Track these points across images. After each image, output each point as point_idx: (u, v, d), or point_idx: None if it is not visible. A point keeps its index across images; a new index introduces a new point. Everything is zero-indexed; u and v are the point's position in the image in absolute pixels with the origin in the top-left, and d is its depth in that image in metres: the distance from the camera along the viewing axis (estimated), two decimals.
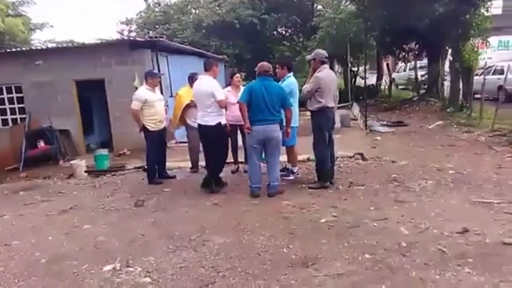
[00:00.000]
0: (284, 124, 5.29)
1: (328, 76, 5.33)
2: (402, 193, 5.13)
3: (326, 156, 5.44)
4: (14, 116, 11.04)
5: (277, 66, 5.93)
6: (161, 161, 6.58)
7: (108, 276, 3.40)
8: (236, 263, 3.47)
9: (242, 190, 5.56)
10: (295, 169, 6.22)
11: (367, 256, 3.47)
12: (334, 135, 10.14)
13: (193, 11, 22.02)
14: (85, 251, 3.95)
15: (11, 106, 10.97)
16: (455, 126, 10.03)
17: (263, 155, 5.44)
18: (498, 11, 26.18)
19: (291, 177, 6.14)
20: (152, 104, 6.18)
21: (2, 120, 11.08)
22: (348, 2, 14.52)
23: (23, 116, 10.87)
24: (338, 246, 3.69)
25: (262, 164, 5.50)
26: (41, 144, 10.66)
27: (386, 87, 19.12)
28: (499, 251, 3.43)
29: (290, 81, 5.83)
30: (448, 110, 11.94)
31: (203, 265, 3.47)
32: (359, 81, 23.02)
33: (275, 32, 22.53)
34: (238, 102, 5.19)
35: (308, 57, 5.52)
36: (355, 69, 20.87)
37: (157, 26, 20.89)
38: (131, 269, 3.49)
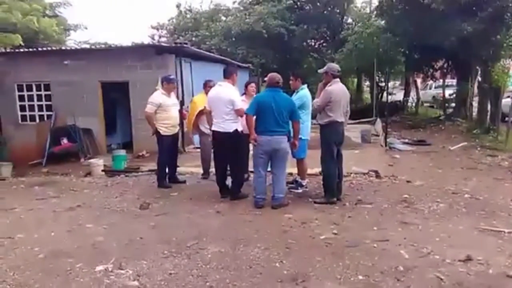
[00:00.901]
0: (292, 135, 5.24)
1: (339, 91, 5.26)
2: (409, 214, 4.97)
3: (333, 172, 5.34)
4: (41, 113, 11.42)
5: (291, 78, 5.92)
6: (172, 165, 6.65)
7: (98, 276, 3.44)
8: (226, 274, 3.44)
9: (247, 200, 5.53)
10: (304, 182, 6.15)
11: (360, 277, 3.37)
12: (352, 150, 10.32)
13: (223, 18, 22.29)
14: (83, 250, 4.02)
15: (39, 103, 11.37)
16: (479, 148, 9.69)
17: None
18: None
19: (299, 190, 6.07)
20: (166, 109, 6.27)
21: (30, 116, 11.47)
22: (377, 17, 14.31)
23: (50, 113, 11.25)
24: (332, 264, 3.60)
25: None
26: (65, 141, 11.00)
27: (413, 104, 18.69)
28: (501, 283, 3.27)
29: (303, 93, 5.79)
30: (474, 131, 11.56)
31: (192, 273, 3.46)
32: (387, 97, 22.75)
33: (304, 43, 22.52)
34: (245, 114, 5.18)
35: (320, 70, 5.47)
36: (382, 84, 20.58)
37: (186, 32, 21.28)
38: (122, 271, 3.51)
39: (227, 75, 5.68)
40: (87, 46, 17.25)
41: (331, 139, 5.29)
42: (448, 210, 5.11)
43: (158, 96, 6.32)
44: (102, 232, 4.51)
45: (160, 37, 23.37)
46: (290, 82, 5.91)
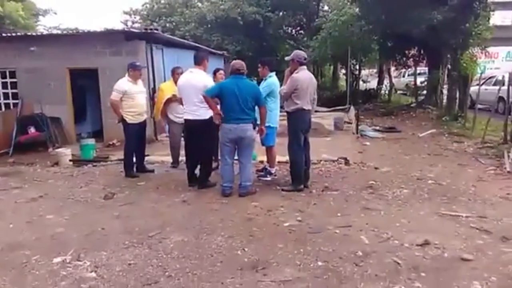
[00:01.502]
0: (259, 122, 5.22)
1: (306, 78, 5.26)
2: (373, 200, 5.06)
3: (300, 159, 5.37)
4: (7, 101, 11.04)
5: (258, 65, 5.87)
6: (140, 154, 6.55)
7: (55, 268, 3.37)
8: (187, 263, 3.43)
9: (215, 189, 5.50)
10: (273, 170, 6.16)
11: (319, 263, 3.41)
12: (325, 138, 10.41)
13: (199, 5, 21.91)
14: (41, 242, 3.93)
15: (5, 91, 10.97)
16: (446, 135, 9.91)
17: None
18: (508, 22, 25.96)
19: (268, 178, 6.08)
20: (132, 96, 6.15)
21: None
22: (351, 4, 14.34)
23: (16, 101, 10.88)
24: (293, 251, 3.63)
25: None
26: (32, 130, 10.66)
27: (387, 92, 18.94)
28: (455, 266, 3.36)
29: (271, 81, 5.76)
30: (443, 118, 11.82)
31: (152, 263, 3.43)
32: (361, 85, 22.98)
33: (280, 31, 22.41)
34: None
35: (287, 58, 5.44)
36: (357, 72, 20.74)
37: (160, 18, 20.85)
38: (80, 262, 3.45)
39: (198, 61, 5.58)
40: (58, 31, 16.73)
41: (297, 127, 5.30)
42: (411, 196, 5.21)
43: (124, 83, 6.18)
44: (63, 223, 4.41)
45: (133, 23, 22.83)
46: (258, 69, 5.87)
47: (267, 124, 5.82)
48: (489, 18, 11.13)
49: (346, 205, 4.90)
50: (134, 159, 6.53)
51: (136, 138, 6.33)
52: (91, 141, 9.19)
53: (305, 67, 5.33)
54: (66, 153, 8.58)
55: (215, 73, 6.61)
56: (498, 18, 21.67)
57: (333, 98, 18.55)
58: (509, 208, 4.73)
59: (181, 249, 3.70)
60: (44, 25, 22.96)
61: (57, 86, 10.58)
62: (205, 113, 5.33)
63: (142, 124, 6.41)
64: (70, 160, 8.37)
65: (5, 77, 10.86)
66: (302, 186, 5.45)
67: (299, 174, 5.42)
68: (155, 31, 10.48)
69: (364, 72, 26.51)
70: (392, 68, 21.97)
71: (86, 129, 11.86)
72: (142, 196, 5.35)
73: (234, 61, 5.28)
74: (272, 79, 5.79)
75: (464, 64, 10.90)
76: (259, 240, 3.89)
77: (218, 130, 5.63)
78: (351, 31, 15.41)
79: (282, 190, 5.46)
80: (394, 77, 24.56)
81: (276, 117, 5.93)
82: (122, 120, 6.27)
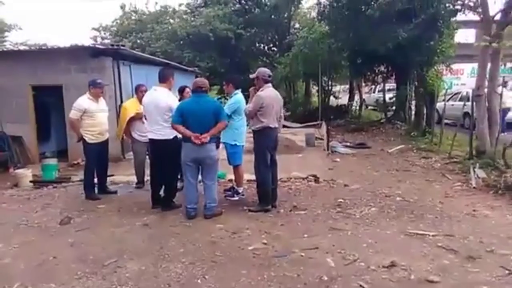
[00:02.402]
0: (222, 141, 5.11)
1: (271, 95, 5.18)
2: (341, 220, 4.96)
3: (267, 178, 5.24)
4: None
5: (224, 83, 5.77)
6: (101, 175, 6.27)
7: None
8: None
9: (179, 210, 5.29)
10: (240, 190, 6.00)
11: None
12: (296, 155, 10.35)
13: (171, 21, 21.81)
14: None
15: None
16: (415, 151, 10.03)
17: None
18: (471, 39, 26.99)
19: (236, 198, 5.92)
20: (92, 115, 5.91)
21: None
22: (319, 22, 14.55)
23: None
24: (257, 277, 3.47)
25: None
26: None
27: (357, 108, 19.21)
28: None
29: (236, 98, 5.65)
30: (412, 134, 11.99)
31: None
32: (333, 101, 23.27)
33: (252, 47, 22.54)
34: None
35: (252, 76, 5.35)
36: (328, 88, 21.00)
37: (130, 35, 20.60)
38: None
39: (162, 80, 5.43)
40: (25, 47, 16.24)
41: (264, 145, 5.18)
42: (379, 214, 5.15)
43: (84, 101, 5.95)
44: (11, 253, 4.10)
45: (102, 39, 22.47)
46: (223, 87, 5.76)
47: (233, 143, 5.74)
48: (452, 36, 11.47)
49: (313, 225, 4.78)
50: (96, 180, 6.26)
51: (97, 158, 6.06)
52: (53, 161, 8.82)
53: (270, 84, 5.25)
54: (26, 173, 8.19)
55: (181, 91, 6.46)
56: (462, 36, 22.54)
57: (306, 114, 18.67)
58: (474, 225, 4.72)
59: (137, 278, 3.47)
60: (11, 41, 22.38)
61: (20, 103, 10.17)
62: (169, 133, 5.17)
63: (104, 144, 6.15)
64: (30, 181, 7.98)
65: None
66: (269, 206, 5.31)
67: (266, 194, 5.28)
68: (122, 48, 10.28)
69: (336, 88, 26.94)
70: (363, 84, 22.42)
71: (50, 148, 11.39)
72: (101, 220, 5.08)
73: (196, 79, 5.16)
74: (238, 96, 5.68)
75: (430, 81, 11.15)
76: (221, 266, 3.70)
77: (180, 149, 5.48)
78: (321, 48, 15.58)
79: (249, 210, 5.31)
80: (365, 92, 25.01)
81: (242, 135, 5.81)
82: (82, 139, 6.02)
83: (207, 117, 4.92)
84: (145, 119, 5.79)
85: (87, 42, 20.92)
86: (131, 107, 6.47)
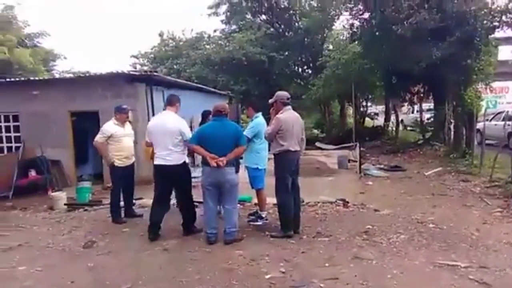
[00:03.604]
0: (244, 165, 5.04)
1: (290, 118, 5.08)
2: (366, 248, 4.72)
3: (288, 203, 5.10)
4: (9, 144, 11.10)
5: (244, 107, 5.76)
6: (128, 198, 6.36)
7: None
8: None
9: (200, 235, 5.23)
10: (264, 214, 5.88)
11: None
12: (327, 177, 10.11)
13: (207, 46, 22.40)
14: None
15: (8, 134, 11.07)
16: (453, 173, 9.51)
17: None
18: None
19: (259, 223, 5.80)
20: (118, 140, 6.06)
21: None
22: (351, 43, 14.41)
23: (18, 144, 10.95)
24: None
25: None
26: (32, 173, 10.66)
27: (394, 128, 18.69)
28: None
29: (256, 122, 5.61)
30: (451, 156, 11.44)
31: None
32: (370, 121, 22.81)
33: (286, 70, 22.65)
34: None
35: (270, 100, 5.29)
36: (363, 109, 20.65)
37: (166, 61, 21.31)
38: None
39: (170, 103, 5.38)
40: (70, 75, 17.17)
41: (284, 169, 5.06)
42: (408, 242, 4.87)
43: (110, 127, 6.12)
44: (33, 276, 4.19)
45: (141, 65, 23.38)
46: (245, 111, 5.75)
47: (254, 166, 5.67)
48: (491, 54, 10.97)
49: (336, 253, 4.58)
50: (122, 203, 6.35)
51: (123, 182, 6.17)
52: (87, 184, 9.10)
53: (289, 107, 5.17)
54: (61, 196, 8.47)
55: (205, 116, 6.49)
56: (506, 53, 21.60)
57: (340, 136, 18.38)
58: None
59: None
60: (57, 70, 23.76)
61: (59, 129, 10.65)
62: (178, 158, 5.11)
63: (130, 167, 6.27)
64: (64, 204, 8.24)
65: (9, 121, 10.99)
66: (291, 232, 5.15)
67: (288, 220, 5.13)
68: (155, 73, 10.61)
69: (372, 109, 26.43)
70: (402, 104, 21.85)
71: (87, 171, 11.80)
72: (123, 244, 5.11)
73: (216, 103, 5.15)
74: (258, 119, 5.64)
75: (469, 100, 10.65)
76: None
77: (190, 174, 5.43)
78: (354, 69, 15.40)
79: (271, 236, 5.17)
80: (404, 113, 24.36)
81: (264, 159, 5.74)
82: (112, 164, 6.15)
83: (227, 141, 4.91)
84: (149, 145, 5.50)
85: (127, 69, 21.81)
86: None
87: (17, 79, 11.32)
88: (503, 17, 8.86)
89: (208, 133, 4.95)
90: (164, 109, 5.52)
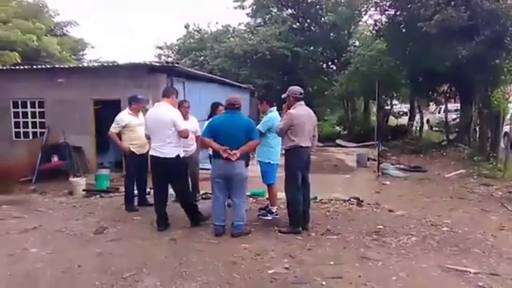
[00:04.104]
0: (256, 159, 5.02)
1: (302, 114, 5.02)
2: (374, 248, 4.63)
3: (297, 199, 5.05)
4: (35, 130, 11.46)
5: (258, 101, 5.73)
6: (141, 187, 6.45)
7: None
8: None
9: (208, 227, 5.25)
10: (274, 209, 5.85)
11: None
12: (344, 175, 9.99)
13: (231, 39, 22.43)
14: (13, 278, 3.82)
15: (33, 120, 11.42)
16: (475, 176, 9.23)
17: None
18: None
19: (269, 217, 5.78)
20: (133, 129, 6.14)
21: (24, 132, 11.51)
22: (376, 39, 14.11)
23: (43, 130, 11.28)
24: None
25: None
26: (55, 159, 10.97)
27: (418, 128, 18.25)
28: None
29: (270, 116, 5.57)
30: (474, 158, 11.09)
31: None
32: (392, 121, 22.32)
33: (310, 65, 22.42)
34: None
35: (283, 95, 5.24)
36: (388, 107, 20.24)
37: (190, 53, 21.45)
38: None
39: (168, 94, 5.27)
40: (95, 64, 17.53)
41: (294, 165, 5.02)
42: (418, 245, 4.74)
43: (125, 116, 6.22)
44: (43, 258, 4.30)
45: (167, 57, 23.63)
46: (258, 106, 5.71)
47: (267, 161, 5.64)
48: None
49: (343, 252, 4.51)
50: (136, 192, 6.45)
51: (136, 171, 6.25)
52: (105, 171, 9.30)
53: (302, 102, 5.10)
54: (80, 182, 8.69)
55: (215, 107, 6.51)
56: None
57: (362, 134, 18.11)
58: None
59: None
60: (85, 59, 24.30)
61: (82, 116, 10.91)
62: (172, 151, 5.04)
63: (144, 156, 6.32)
64: (83, 190, 8.45)
65: (34, 107, 11.33)
66: (300, 228, 5.10)
67: (297, 216, 5.09)
68: (176, 65, 10.70)
69: (400, 108, 25.83)
70: (430, 104, 21.28)
71: (108, 158, 12.04)
72: (133, 231, 5.19)
73: (229, 96, 5.13)
74: (272, 114, 5.59)
75: (496, 102, 10.27)
76: None
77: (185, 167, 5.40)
78: (378, 66, 15.09)
79: (279, 231, 5.14)
80: (430, 112, 23.75)
81: (277, 154, 5.69)
82: (130, 151, 6.24)
83: (239, 134, 4.89)
84: (148, 138, 5.49)
85: (152, 59, 22.08)
86: None
87: (43, 66, 11.59)
88: None
89: (220, 126, 4.94)
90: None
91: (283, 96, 5.20)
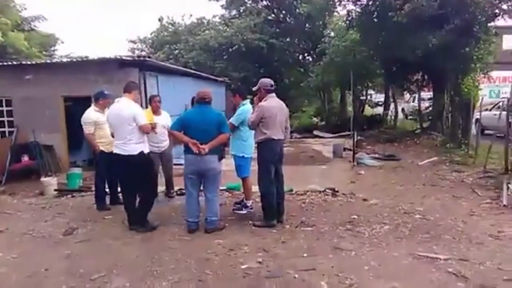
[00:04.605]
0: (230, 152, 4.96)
1: (274, 106, 4.97)
2: (348, 238, 4.66)
3: (271, 192, 5.02)
4: (3, 129, 11.05)
5: (231, 94, 5.65)
6: (113, 185, 6.29)
7: None
8: None
9: (182, 223, 5.17)
10: (249, 203, 5.81)
11: None
12: (320, 166, 10.03)
13: (206, 32, 22.15)
14: None
15: (1, 119, 11.02)
16: (447, 164, 9.41)
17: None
18: None
19: (244, 212, 5.74)
20: (101, 127, 5.97)
21: None
22: (349, 30, 14.13)
23: (12, 129, 10.90)
24: None
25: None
26: (25, 158, 10.64)
27: (393, 117, 18.50)
28: None
29: (243, 109, 5.49)
30: (447, 145, 11.31)
31: None
32: (370, 110, 22.58)
33: (287, 56, 22.37)
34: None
35: (254, 88, 5.18)
36: (363, 98, 20.42)
37: (164, 46, 21.09)
38: None
39: (127, 90, 5.07)
40: (64, 60, 17.01)
41: (267, 158, 4.98)
42: (391, 233, 4.80)
43: (92, 114, 6.05)
44: (8, 263, 4.15)
45: (141, 51, 23.17)
46: (231, 99, 5.63)
47: (241, 155, 5.59)
48: (491, 42, 10.74)
49: (316, 243, 4.51)
50: (108, 190, 6.30)
51: (107, 169, 6.09)
52: (77, 170, 9.07)
53: (273, 94, 5.06)
54: (51, 182, 8.45)
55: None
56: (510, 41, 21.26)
57: (339, 124, 18.25)
58: (496, 249, 4.27)
59: None
60: (56, 55, 23.58)
61: (52, 114, 10.58)
62: (134, 148, 4.85)
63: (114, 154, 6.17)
64: (54, 190, 8.22)
65: (1, 106, 10.92)
66: (274, 221, 5.08)
67: (271, 209, 5.07)
68: (147, 59, 10.45)
69: (377, 97, 26.08)
70: (404, 93, 21.55)
71: (81, 157, 11.74)
72: (104, 231, 5.06)
73: (199, 90, 5.02)
74: (245, 107, 5.52)
75: (466, 89, 10.47)
76: (207, 286, 3.54)
77: (150, 164, 5.21)
78: (353, 56, 15.17)
79: (253, 225, 5.12)
80: (406, 101, 24.08)
81: (251, 147, 5.64)
82: (100, 150, 6.08)
83: (210, 128, 4.81)
84: (113, 136, 5.36)
85: (126, 54, 21.61)
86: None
87: (9, 63, 11.17)
88: (504, 6, 8.61)
89: (191, 120, 4.85)
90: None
91: (254, 88, 5.13)
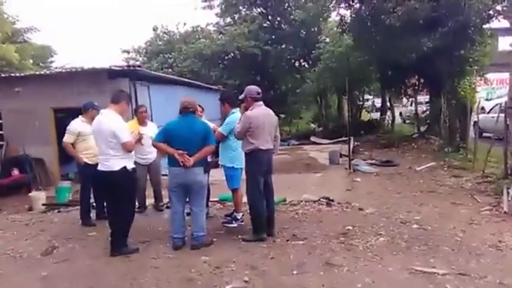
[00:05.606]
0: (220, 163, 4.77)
1: (261, 115, 4.75)
2: (341, 252, 4.42)
3: (260, 205, 4.79)
4: None
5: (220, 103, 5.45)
6: (99, 199, 6.06)
7: None
8: None
9: (168, 239, 4.92)
10: (239, 216, 5.56)
11: None
12: (315, 174, 9.80)
13: (201, 40, 22.01)
14: None
15: None
16: (445, 168, 9.18)
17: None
18: None
19: (234, 225, 5.49)
20: (85, 138, 5.75)
21: None
22: (342, 35, 13.98)
23: (2, 143, 10.71)
24: None
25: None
26: (15, 172, 10.45)
27: (390, 122, 18.32)
28: None
29: (232, 118, 5.26)
30: (445, 150, 11.09)
31: None
32: (365, 115, 22.40)
33: (282, 63, 22.22)
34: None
35: (240, 96, 4.97)
36: (360, 103, 20.25)
37: (158, 55, 20.96)
38: None
39: (114, 100, 4.64)
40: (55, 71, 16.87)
41: (254, 169, 4.75)
42: (387, 246, 4.56)
43: (77, 125, 5.85)
44: None
45: (135, 60, 23.04)
46: (220, 108, 5.43)
47: (231, 165, 5.37)
48: (486, 44, 10.58)
49: (307, 259, 4.27)
50: (94, 205, 6.08)
51: (92, 182, 5.85)
52: (66, 184, 8.89)
53: (261, 102, 4.84)
54: (39, 196, 8.29)
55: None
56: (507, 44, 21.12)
57: (336, 130, 18.04)
58: (497, 260, 4.04)
59: None
60: (52, 66, 23.44)
61: (42, 126, 10.42)
62: (117, 163, 4.42)
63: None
64: (43, 204, 8.01)
65: None
66: (264, 235, 4.85)
67: (260, 222, 4.83)
68: (138, 68, 10.30)
69: (375, 102, 25.92)
70: (401, 97, 21.37)
71: (73, 169, 11.47)
72: (85, 250, 4.81)
73: (182, 99, 4.80)
74: (234, 115, 5.28)
75: (462, 92, 10.28)
76: None
77: (132, 182, 4.77)
78: (347, 61, 14.99)
79: (242, 240, 4.88)
80: (403, 105, 23.90)
81: (241, 157, 5.40)
82: (84, 162, 5.87)
83: (195, 139, 4.59)
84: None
85: (120, 63, 21.46)
86: (130, 128, 6.27)
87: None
88: (498, 7, 8.45)
89: (174, 131, 4.62)
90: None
91: (240, 97, 4.93)
